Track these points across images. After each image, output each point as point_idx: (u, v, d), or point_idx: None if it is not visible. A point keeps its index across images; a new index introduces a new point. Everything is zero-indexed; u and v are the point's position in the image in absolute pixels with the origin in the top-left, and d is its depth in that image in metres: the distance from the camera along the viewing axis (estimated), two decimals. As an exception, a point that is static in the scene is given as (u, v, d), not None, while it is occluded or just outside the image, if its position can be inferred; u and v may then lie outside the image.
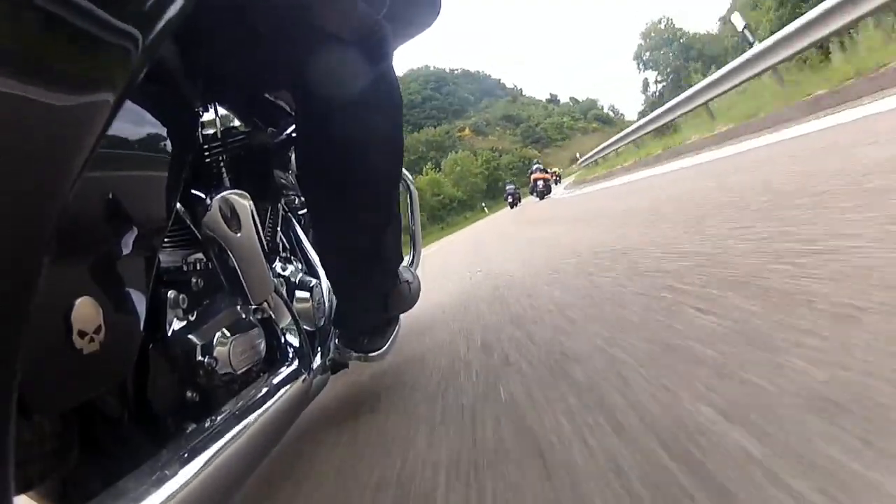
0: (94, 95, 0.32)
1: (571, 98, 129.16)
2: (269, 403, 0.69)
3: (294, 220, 1.14)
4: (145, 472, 0.47)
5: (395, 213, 1.07)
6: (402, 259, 1.16)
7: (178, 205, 0.64)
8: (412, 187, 1.71)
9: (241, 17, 0.76)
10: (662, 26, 58.08)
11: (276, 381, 0.77)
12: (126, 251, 0.48)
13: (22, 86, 0.27)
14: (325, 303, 1.04)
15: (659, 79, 59.19)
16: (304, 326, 0.91)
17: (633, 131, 12.53)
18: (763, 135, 4.22)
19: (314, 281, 1.03)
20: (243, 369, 0.73)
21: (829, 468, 0.42)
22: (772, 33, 6.27)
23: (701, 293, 0.95)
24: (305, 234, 1.14)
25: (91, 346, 0.42)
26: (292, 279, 1.00)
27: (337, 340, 1.05)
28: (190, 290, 0.67)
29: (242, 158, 0.88)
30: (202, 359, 0.67)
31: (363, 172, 0.94)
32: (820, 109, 4.06)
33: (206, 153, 0.82)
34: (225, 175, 0.83)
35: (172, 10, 0.38)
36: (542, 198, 14.70)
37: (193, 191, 0.70)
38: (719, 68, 7.74)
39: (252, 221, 0.73)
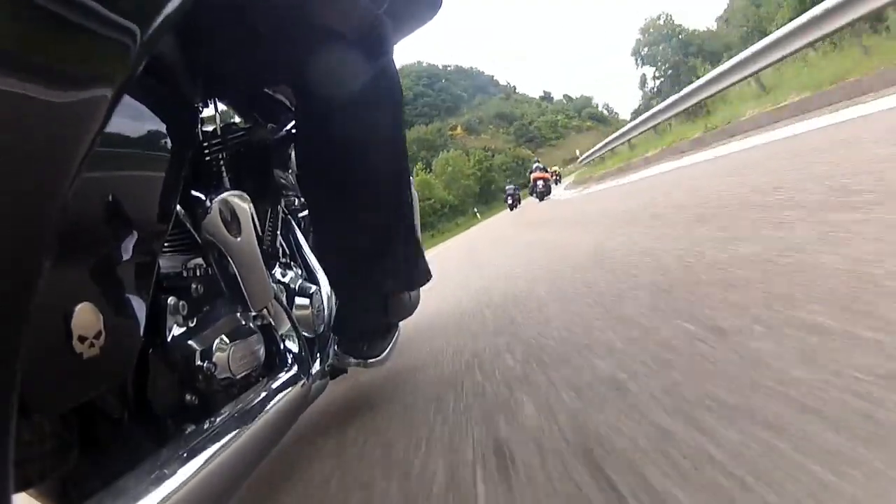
0: (91, 91, 0.32)
1: (565, 95, 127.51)
2: (267, 407, 0.69)
3: (293, 224, 1.13)
4: (144, 471, 0.48)
5: (401, 213, 1.05)
6: (413, 262, 1.11)
7: (178, 207, 0.63)
8: (412, 189, 1.70)
9: (242, 14, 0.77)
10: (661, 22, 57.76)
11: (274, 385, 0.77)
12: (126, 255, 0.48)
13: (16, 81, 0.26)
14: (324, 309, 1.03)
15: (657, 74, 58.61)
16: (304, 333, 0.91)
17: (653, 116, 10.83)
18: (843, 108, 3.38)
19: (314, 287, 1.02)
20: (242, 374, 0.73)
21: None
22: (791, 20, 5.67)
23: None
24: (305, 237, 1.13)
25: (91, 351, 0.42)
26: (292, 285, 1.00)
27: (336, 346, 1.05)
28: (190, 297, 0.67)
29: (242, 156, 0.87)
30: (201, 363, 0.66)
31: (363, 171, 0.94)
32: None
33: (206, 150, 0.80)
34: (224, 174, 0.81)
35: (171, 5, 0.37)
36: (542, 199, 14.30)
37: (193, 191, 0.69)
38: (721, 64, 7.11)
39: (252, 225, 0.73)
